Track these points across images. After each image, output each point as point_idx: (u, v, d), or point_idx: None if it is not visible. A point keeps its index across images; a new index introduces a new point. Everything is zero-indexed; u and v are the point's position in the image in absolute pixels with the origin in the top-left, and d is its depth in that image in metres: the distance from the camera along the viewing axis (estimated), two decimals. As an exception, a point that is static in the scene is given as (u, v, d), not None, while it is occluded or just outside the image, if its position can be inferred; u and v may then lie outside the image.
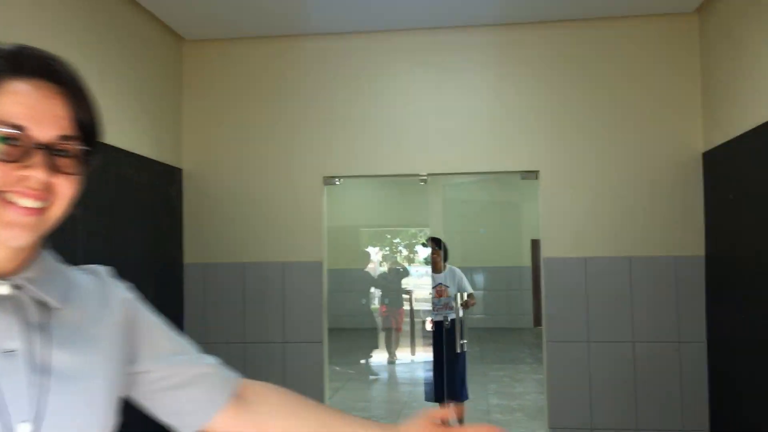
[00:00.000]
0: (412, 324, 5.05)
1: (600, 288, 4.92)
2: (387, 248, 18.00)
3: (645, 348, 4.85)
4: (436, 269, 6.21)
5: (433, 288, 6.05)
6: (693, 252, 4.86)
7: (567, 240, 4.99)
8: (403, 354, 9.97)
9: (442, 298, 6.08)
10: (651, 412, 4.82)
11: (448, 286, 6.12)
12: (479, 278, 17.77)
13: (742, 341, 4.27)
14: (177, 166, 5.20)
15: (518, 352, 11.94)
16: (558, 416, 4.91)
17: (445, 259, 6.27)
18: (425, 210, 16.73)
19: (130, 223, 4.43)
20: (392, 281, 14.02)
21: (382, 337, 12.15)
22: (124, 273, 1.36)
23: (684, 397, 4.80)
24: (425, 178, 5.25)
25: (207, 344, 5.06)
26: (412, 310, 5.03)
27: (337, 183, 5.28)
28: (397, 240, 18.40)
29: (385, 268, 17.86)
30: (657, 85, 4.96)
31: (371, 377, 9.49)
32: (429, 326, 5.32)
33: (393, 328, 5.96)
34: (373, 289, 12.75)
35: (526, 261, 17.66)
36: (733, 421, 4.45)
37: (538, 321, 18.57)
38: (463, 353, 6.06)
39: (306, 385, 5.10)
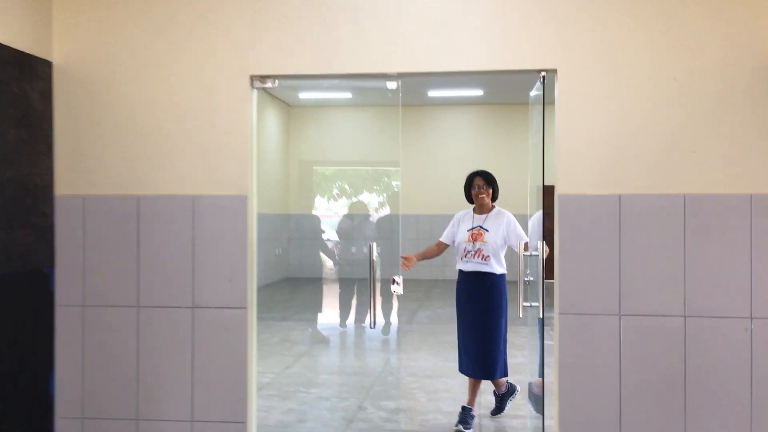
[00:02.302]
0: (372, 282, 3.58)
1: (640, 239, 3.44)
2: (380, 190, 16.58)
3: (702, 325, 3.40)
4: (480, 210, 4.90)
5: (468, 231, 4.83)
6: (778, 189, 3.36)
7: (594, 170, 3.49)
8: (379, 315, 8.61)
9: (476, 243, 4.77)
10: (707, 415, 3.39)
11: (487, 230, 4.77)
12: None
13: None
14: (42, 56, 3.66)
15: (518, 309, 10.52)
16: (573, 418, 3.49)
17: (494, 199, 4.96)
18: (395, 143, 15.24)
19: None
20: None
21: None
22: None
23: (756, 393, 3.36)
24: (395, 80, 3.72)
25: (86, 308, 3.62)
26: (371, 264, 3.56)
27: (271, 85, 3.75)
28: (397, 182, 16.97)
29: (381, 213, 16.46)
30: (735, -56, 3.39)
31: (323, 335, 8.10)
32: (396, 288, 3.87)
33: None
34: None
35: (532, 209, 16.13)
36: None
37: (549, 274, 16.99)
38: (497, 318, 4.78)
39: (224, 364, 3.67)
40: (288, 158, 16.70)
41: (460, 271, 4.92)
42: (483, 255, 4.76)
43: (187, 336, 3.70)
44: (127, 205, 3.72)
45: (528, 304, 4.04)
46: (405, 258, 4.80)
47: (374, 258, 3.69)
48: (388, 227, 16.34)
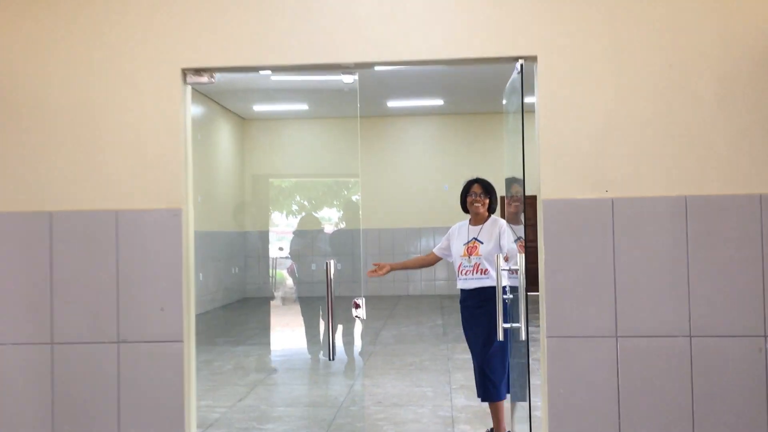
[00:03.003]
0: (329, 305, 3.06)
1: (637, 248, 2.99)
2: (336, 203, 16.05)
3: (710, 346, 2.96)
4: (475, 221, 4.51)
5: (463, 245, 4.46)
6: (791, 188, 2.96)
7: (581, 171, 3.05)
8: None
9: (472, 258, 4.40)
10: (717, 450, 2.96)
11: (482, 242, 4.39)
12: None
13: None
14: (-69, 49, 3.10)
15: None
16: (566, 456, 3.02)
17: (492, 210, 4.56)
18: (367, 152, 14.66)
19: None
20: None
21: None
22: None
23: (772, 424, 2.94)
24: (352, 72, 3.24)
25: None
26: (329, 285, 3.04)
27: (207, 80, 3.22)
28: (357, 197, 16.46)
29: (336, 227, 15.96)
30: None
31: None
32: (358, 312, 3.34)
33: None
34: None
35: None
36: None
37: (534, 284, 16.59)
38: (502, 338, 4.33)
39: (157, 407, 3.11)
40: (243, 173, 16.11)
41: (461, 290, 4.51)
42: (481, 269, 4.36)
43: (111, 376, 3.12)
44: (37, 223, 3.15)
45: (508, 325, 3.59)
46: (377, 265, 4.43)
47: (331, 277, 3.18)
48: (349, 242, 15.81)
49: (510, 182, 4.33)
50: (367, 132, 15.84)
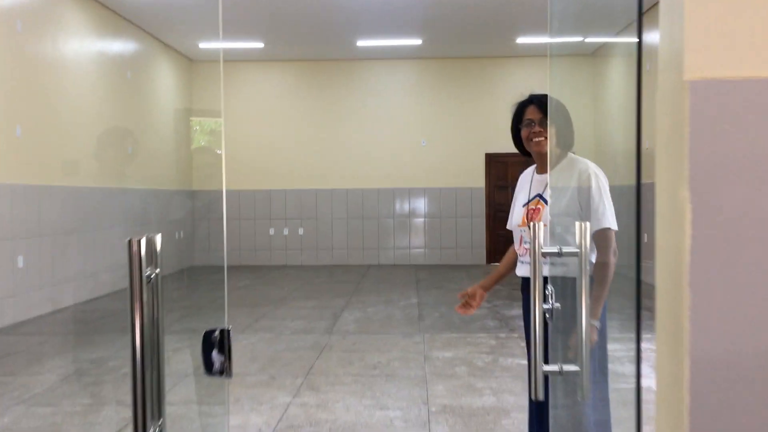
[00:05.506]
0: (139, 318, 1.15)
1: None
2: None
3: None
4: (541, 166, 2.71)
5: (523, 206, 2.75)
6: None
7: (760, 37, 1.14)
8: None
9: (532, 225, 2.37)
10: None
11: (548, 201, 2.59)
12: (419, 203, 14.04)
13: None
14: None
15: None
16: None
17: (566, 146, 2.57)
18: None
19: None
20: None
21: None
22: None
23: None
24: None
25: None
26: (136, 285, 1.12)
27: None
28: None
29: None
30: None
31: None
32: (215, 362, 1.46)
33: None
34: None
35: (479, 181, 14.01)
36: None
37: (491, 257, 15.06)
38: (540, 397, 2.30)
39: None
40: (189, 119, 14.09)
41: (521, 278, 2.74)
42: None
43: None
44: None
45: (554, 368, 1.75)
46: (467, 295, 2.78)
47: (143, 261, 1.25)
48: (309, 204, 13.91)
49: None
50: (334, 77, 13.87)
